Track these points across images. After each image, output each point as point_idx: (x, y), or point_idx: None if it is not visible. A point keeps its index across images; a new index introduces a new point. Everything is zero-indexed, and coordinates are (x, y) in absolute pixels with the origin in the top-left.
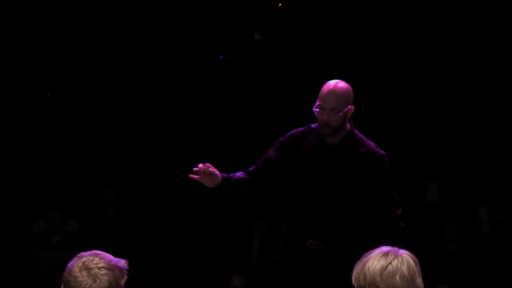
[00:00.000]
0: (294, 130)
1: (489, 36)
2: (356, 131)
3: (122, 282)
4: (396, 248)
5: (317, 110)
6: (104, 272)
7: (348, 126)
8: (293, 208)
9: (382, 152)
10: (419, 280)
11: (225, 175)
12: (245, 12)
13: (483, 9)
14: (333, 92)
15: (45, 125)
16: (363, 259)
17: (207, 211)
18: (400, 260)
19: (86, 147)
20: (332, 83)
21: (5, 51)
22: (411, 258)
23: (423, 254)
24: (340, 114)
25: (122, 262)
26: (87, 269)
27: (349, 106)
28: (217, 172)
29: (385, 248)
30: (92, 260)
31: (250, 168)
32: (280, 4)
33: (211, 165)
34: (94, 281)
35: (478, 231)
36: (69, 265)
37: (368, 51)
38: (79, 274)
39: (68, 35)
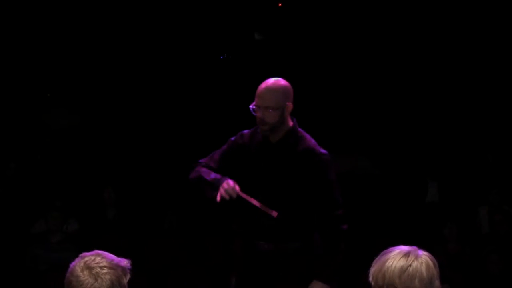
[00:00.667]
0: (242, 131)
1: (489, 36)
2: (299, 129)
3: (125, 281)
4: (415, 248)
5: (253, 107)
6: (106, 271)
7: (290, 123)
8: (240, 208)
9: (323, 151)
10: (437, 283)
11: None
12: (245, 12)
13: (483, 9)
14: (268, 89)
15: (45, 125)
16: (382, 258)
17: (207, 211)
18: (420, 262)
19: (86, 147)
20: (269, 80)
21: (5, 51)
22: (431, 260)
23: None
24: (276, 111)
25: (124, 262)
26: (89, 268)
27: (287, 104)
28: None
29: (405, 248)
30: (94, 260)
31: (203, 161)
32: (280, 4)
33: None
34: (96, 280)
35: (478, 231)
36: (71, 265)
37: (368, 51)
38: (80, 274)
39: (68, 35)
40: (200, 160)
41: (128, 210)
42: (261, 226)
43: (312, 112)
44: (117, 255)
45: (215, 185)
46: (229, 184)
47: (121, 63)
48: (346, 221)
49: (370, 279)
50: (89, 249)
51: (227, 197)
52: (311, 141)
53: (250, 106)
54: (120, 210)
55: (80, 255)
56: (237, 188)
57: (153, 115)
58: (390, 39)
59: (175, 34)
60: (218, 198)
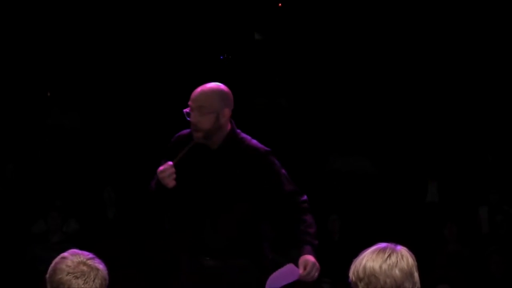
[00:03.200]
0: (180, 133)
1: (489, 36)
2: (238, 130)
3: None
4: (393, 244)
5: (186, 111)
6: (95, 261)
7: (228, 127)
8: (184, 222)
9: (266, 148)
10: (416, 275)
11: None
12: (245, 12)
13: (483, 9)
14: (204, 91)
15: (45, 124)
16: (361, 255)
17: None
18: (399, 255)
19: (86, 147)
20: (207, 84)
21: (5, 51)
22: (409, 253)
23: (423, 254)
24: (209, 115)
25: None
26: (83, 262)
27: (225, 109)
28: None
29: (382, 245)
30: (80, 256)
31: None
32: (280, 4)
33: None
34: (98, 270)
35: (478, 231)
36: (57, 266)
37: (368, 51)
38: (78, 269)
39: (68, 35)
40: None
41: (128, 210)
42: (208, 241)
43: (312, 113)
44: (117, 255)
45: (157, 183)
46: (159, 170)
47: (121, 63)
48: (309, 204)
49: (350, 276)
50: (89, 249)
51: (168, 180)
52: (252, 141)
53: (184, 110)
54: (120, 210)
55: (59, 256)
56: (167, 165)
57: (153, 115)
58: (390, 39)
59: (175, 34)
60: (171, 184)
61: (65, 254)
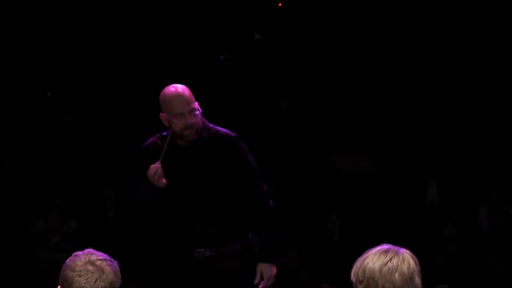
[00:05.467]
0: (146, 143)
1: (489, 36)
2: (205, 120)
3: (119, 274)
4: (397, 247)
5: (175, 119)
6: (106, 263)
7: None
8: (172, 218)
9: (235, 134)
10: (418, 280)
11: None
12: (245, 12)
13: (483, 9)
14: (183, 94)
15: (45, 124)
16: (363, 255)
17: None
18: (400, 258)
19: (86, 147)
20: (172, 88)
21: (5, 51)
22: (412, 257)
23: (423, 254)
24: (198, 113)
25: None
26: (91, 262)
27: (196, 102)
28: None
29: (385, 246)
30: (92, 255)
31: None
32: (280, 4)
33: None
34: (103, 272)
35: (478, 231)
36: (67, 263)
37: (368, 51)
38: (83, 268)
39: (68, 35)
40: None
41: (128, 210)
42: (199, 232)
43: (312, 113)
44: (117, 255)
45: (147, 184)
46: (150, 171)
47: (121, 63)
48: (272, 196)
49: (352, 276)
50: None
51: (159, 180)
52: (222, 129)
53: (171, 119)
54: (120, 210)
55: (73, 254)
56: (156, 165)
57: (153, 115)
58: (390, 39)
59: (175, 34)
60: (162, 184)
61: (79, 252)
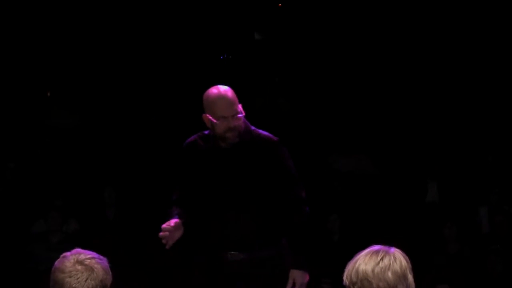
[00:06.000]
0: (188, 140)
1: (489, 36)
2: (247, 123)
3: (110, 271)
4: (387, 247)
5: (218, 121)
6: (95, 261)
7: None
8: (207, 221)
9: (276, 138)
10: (410, 277)
11: (178, 219)
12: (245, 12)
13: (483, 9)
14: (229, 97)
15: (45, 124)
16: (355, 258)
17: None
18: (392, 257)
19: (86, 147)
20: (220, 90)
21: (5, 51)
22: (402, 256)
23: (423, 254)
24: (241, 116)
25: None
26: (79, 262)
27: (240, 105)
28: (178, 221)
29: (376, 247)
30: (80, 255)
31: (175, 198)
32: (280, 4)
33: (173, 222)
34: (92, 271)
35: (478, 231)
36: (56, 265)
37: (368, 51)
38: (73, 268)
39: (68, 35)
40: (173, 197)
41: (128, 210)
42: (233, 235)
43: (312, 113)
44: (117, 255)
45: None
46: (163, 227)
47: (121, 63)
48: (308, 204)
49: (344, 280)
50: (89, 249)
51: (165, 240)
52: (264, 132)
53: (214, 121)
54: (120, 210)
55: (61, 255)
56: (171, 223)
57: (153, 115)
58: (390, 39)
59: (175, 34)
60: (167, 245)
61: (67, 253)
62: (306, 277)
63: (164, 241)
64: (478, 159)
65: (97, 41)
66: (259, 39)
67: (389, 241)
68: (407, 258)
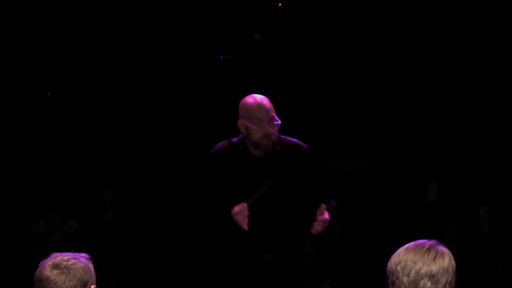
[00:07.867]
0: (216, 147)
1: (489, 36)
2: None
3: (92, 267)
4: (435, 241)
5: (255, 126)
6: (72, 262)
7: None
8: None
9: (305, 144)
10: (452, 278)
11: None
12: (245, 12)
13: (483, 9)
14: (267, 103)
15: (45, 125)
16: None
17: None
18: (439, 252)
19: (86, 147)
20: (256, 97)
21: (5, 51)
22: (449, 254)
23: None
24: (278, 123)
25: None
26: (55, 266)
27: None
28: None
29: (423, 241)
30: (55, 259)
31: (209, 207)
32: (280, 4)
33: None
34: (69, 272)
35: (478, 231)
36: (36, 275)
37: (368, 51)
38: (50, 274)
39: (68, 35)
40: (207, 207)
41: (128, 210)
42: (270, 239)
43: (312, 112)
44: (117, 255)
45: (226, 218)
46: (235, 211)
47: (121, 63)
48: (333, 199)
49: (388, 265)
50: (89, 249)
51: (243, 221)
52: (293, 139)
53: (251, 126)
54: (120, 210)
55: (40, 264)
56: (242, 206)
57: (153, 115)
58: (390, 39)
59: (175, 34)
60: (245, 226)
61: (44, 261)
62: (327, 216)
63: (240, 223)
64: (478, 159)
65: (97, 41)
66: (259, 39)
67: (389, 241)
68: (452, 258)
